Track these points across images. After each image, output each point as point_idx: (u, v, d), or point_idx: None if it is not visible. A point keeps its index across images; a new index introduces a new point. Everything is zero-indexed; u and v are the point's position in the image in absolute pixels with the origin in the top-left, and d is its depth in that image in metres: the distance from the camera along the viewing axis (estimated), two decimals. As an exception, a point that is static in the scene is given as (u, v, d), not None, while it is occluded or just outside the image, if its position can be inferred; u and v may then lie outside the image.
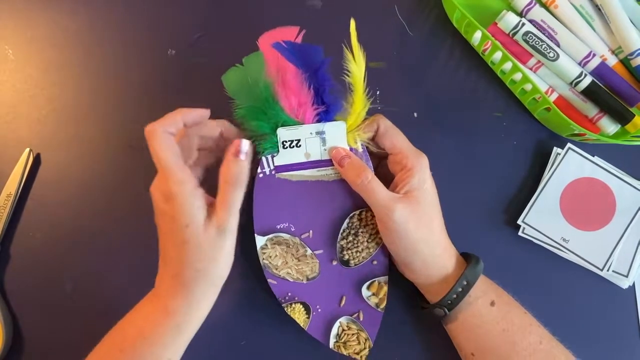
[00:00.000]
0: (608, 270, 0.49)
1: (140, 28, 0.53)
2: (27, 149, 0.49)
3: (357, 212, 0.45)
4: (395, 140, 0.44)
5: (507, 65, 0.49)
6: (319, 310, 0.46)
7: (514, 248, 0.50)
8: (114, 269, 0.49)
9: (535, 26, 0.51)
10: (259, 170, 0.43)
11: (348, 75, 0.41)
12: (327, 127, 0.42)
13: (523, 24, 0.50)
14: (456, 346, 0.45)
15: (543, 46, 0.50)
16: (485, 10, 0.53)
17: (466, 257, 0.44)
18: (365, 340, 0.46)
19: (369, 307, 0.46)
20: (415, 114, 0.52)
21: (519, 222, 0.49)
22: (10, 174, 0.49)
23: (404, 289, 0.48)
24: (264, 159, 0.43)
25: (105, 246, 0.49)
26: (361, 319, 0.46)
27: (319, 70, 0.40)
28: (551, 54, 0.50)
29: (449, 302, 0.42)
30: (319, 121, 0.42)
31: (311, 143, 0.43)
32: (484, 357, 0.43)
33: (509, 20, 0.50)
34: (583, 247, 0.49)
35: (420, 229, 0.42)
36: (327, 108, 0.42)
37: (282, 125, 0.42)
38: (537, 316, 0.43)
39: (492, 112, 0.52)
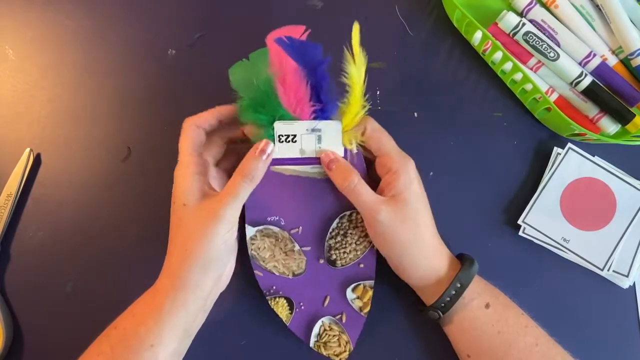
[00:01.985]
0: (608, 270, 0.49)
1: (140, 28, 0.53)
2: (27, 149, 0.49)
3: (348, 212, 0.45)
4: (382, 142, 0.44)
5: (508, 65, 0.49)
6: (302, 307, 0.46)
7: (514, 248, 0.50)
8: (114, 269, 0.49)
9: (535, 26, 0.51)
10: None
11: (346, 77, 0.41)
12: (323, 125, 0.42)
13: (523, 24, 0.50)
14: (454, 347, 0.45)
15: (543, 46, 0.50)
16: (486, 10, 0.53)
17: (461, 259, 0.44)
18: (346, 343, 0.46)
19: (352, 310, 0.46)
20: (415, 114, 0.52)
21: (519, 222, 0.49)
22: (10, 174, 0.49)
23: (396, 289, 0.48)
24: None
25: (105, 246, 0.49)
26: (344, 321, 0.46)
27: (318, 68, 0.41)
28: (551, 54, 0.50)
29: (443, 304, 0.42)
30: (315, 119, 0.43)
31: (306, 140, 0.43)
32: (480, 359, 0.42)
33: (509, 20, 0.50)
34: (583, 247, 0.49)
35: (408, 230, 0.42)
36: (324, 106, 0.42)
37: (280, 119, 0.42)
38: (537, 316, 0.43)
39: (492, 112, 0.52)
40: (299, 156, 0.43)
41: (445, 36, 0.53)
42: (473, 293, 0.43)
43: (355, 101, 0.42)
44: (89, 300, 0.48)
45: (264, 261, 0.46)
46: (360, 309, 0.46)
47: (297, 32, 0.42)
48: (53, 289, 0.48)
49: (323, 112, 0.42)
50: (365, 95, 0.42)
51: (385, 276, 0.46)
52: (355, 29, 0.40)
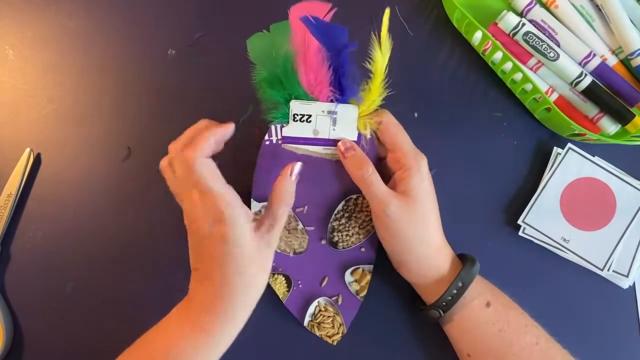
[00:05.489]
0: (608, 270, 0.49)
1: (140, 28, 0.53)
2: (28, 149, 0.49)
3: (355, 196, 0.46)
4: (396, 137, 0.44)
5: (508, 66, 0.49)
6: (300, 285, 0.46)
7: (514, 248, 0.50)
8: (114, 269, 0.49)
9: (535, 26, 0.51)
10: (266, 137, 0.44)
11: (370, 62, 0.41)
12: (340, 108, 0.43)
13: (523, 24, 0.50)
14: (453, 346, 0.45)
15: (543, 46, 0.50)
16: (486, 10, 0.53)
17: (462, 258, 0.44)
18: (340, 325, 0.46)
19: (349, 293, 0.46)
20: (415, 114, 0.52)
21: (519, 222, 0.49)
22: (10, 174, 0.49)
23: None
24: (272, 127, 0.44)
25: (105, 246, 0.49)
26: (339, 303, 0.46)
27: (342, 52, 0.40)
28: (551, 54, 0.50)
29: (444, 303, 0.42)
30: (332, 101, 0.43)
31: (321, 121, 0.43)
32: (480, 358, 0.43)
33: (509, 20, 0.50)
34: (583, 247, 0.49)
35: (415, 227, 0.42)
36: (342, 91, 0.42)
37: (296, 99, 0.42)
38: (537, 316, 0.43)
39: (492, 112, 0.52)
40: (312, 137, 0.44)
41: (445, 36, 0.53)
42: (474, 292, 0.43)
43: (375, 88, 0.42)
44: (89, 300, 0.48)
45: None
46: (357, 292, 0.46)
47: (322, 10, 0.41)
48: (53, 289, 0.48)
49: (341, 96, 0.43)
50: (385, 80, 0.42)
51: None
52: (386, 15, 0.40)
